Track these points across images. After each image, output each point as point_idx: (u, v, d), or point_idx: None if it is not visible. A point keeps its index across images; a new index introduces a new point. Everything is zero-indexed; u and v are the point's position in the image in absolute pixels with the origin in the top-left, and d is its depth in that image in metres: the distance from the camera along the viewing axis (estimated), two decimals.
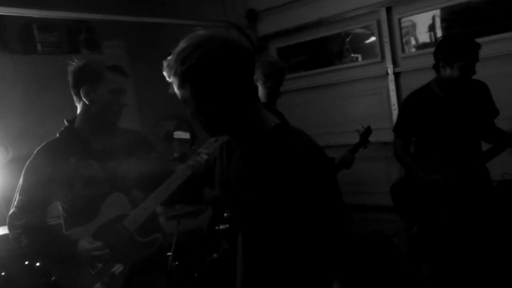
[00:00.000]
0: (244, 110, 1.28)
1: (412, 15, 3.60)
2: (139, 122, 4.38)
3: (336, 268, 1.27)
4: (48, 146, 2.04)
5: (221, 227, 2.93)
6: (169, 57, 1.25)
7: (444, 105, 2.72)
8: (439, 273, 2.84)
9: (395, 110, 3.67)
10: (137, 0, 4.28)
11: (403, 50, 3.67)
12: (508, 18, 3.20)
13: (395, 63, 3.70)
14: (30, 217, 1.95)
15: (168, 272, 2.81)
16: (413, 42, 3.76)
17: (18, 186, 2.01)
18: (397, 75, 3.70)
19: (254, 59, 1.29)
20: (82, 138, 2.06)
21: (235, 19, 4.32)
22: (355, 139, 3.26)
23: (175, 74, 1.23)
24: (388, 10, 3.66)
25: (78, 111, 2.07)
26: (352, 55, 4.06)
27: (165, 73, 1.26)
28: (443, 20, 3.57)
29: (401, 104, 2.91)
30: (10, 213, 1.99)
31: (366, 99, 3.88)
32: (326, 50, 4.22)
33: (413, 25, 3.72)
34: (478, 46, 2.58)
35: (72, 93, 2.05)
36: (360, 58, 4.03)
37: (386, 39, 3.69)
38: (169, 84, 1.28)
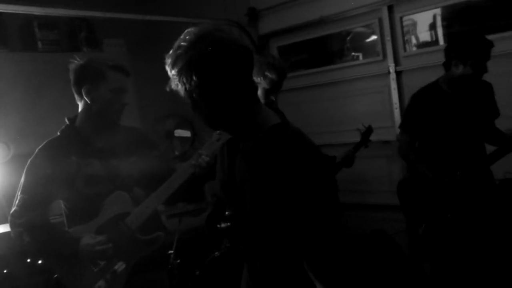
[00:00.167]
0: (244, 107, 1.28)
1: (414, 13, 3.60)
2: (140, 120, 4.37)
3: (315, 268, 1.24)
4: (49, 145, 2.04)
5: (223, 225, 2.92)
6: (171, 50, 1.24)
7: (452, 103, 2.72)
8: (442, 271, 2.84)
9: (396, 108, 3.67)
10: None
11: (404, 49, 3.67)
12: (509, 17, 3.19)
13: (396, 62, 3.70)
14: (31, 215, 1.95)
15: (169, 270, 2.82)
16: (414, 41, 3.75)
17: (19, 185, 2.01)
18: (398, 73, 3.70)
19: (252, 56, 1.29)
20: (83, 137, 2.06)
21: (236, 17, 4.32)
22: (356, 137, 3.25)
23: (177, 65, 1.22)
24: (390, 8, 3.66)
25: (79, 109, 2.07)
26: (353, 53, 4.06)
27: (167, 63, 1.25)
28: (444, 19, 3.57)
29: (409, 100, 2.88)
30: (12, 211, 1.99)
31: (368, 98, 3.88)
32: (327, 48, 4.22)
33: (414, 24, 3.72)
34: (491, 44, 2.58)
35: (73, 92, 2.04)
36: (360, 57, 4.03)
37: (387, 38, 3.68)
38: (169, 81, 1.28)
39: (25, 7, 3.02)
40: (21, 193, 1.99)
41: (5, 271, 2.84)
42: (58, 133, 2.08)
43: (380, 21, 3.71)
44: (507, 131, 2.77)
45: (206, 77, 1.20)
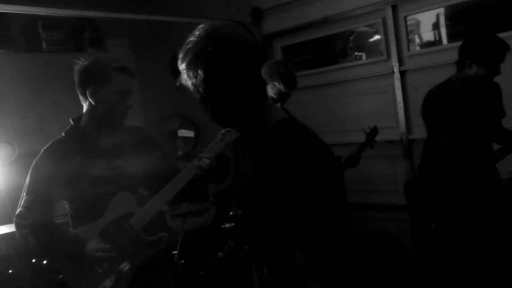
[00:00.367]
0: (250, 103, 1.27)
1: (418, 13, 3.59)
2: (143, 120, 4.37)
3: (317, 268, 1.22)
4: (54, 146, 2.04)
5: (227, 225, 2.93)
6: (183, 46, 1.25)
7: (464, 102, 2.72)
8: (450, 271, 2.83)
9: (400, 108, 3.66)
10: None
11: (408, 48, 3.66)
12: None
13: (400, 61, 3.69)
14: (36, 216, 1.95)
15: (174, 270, 2.82)
16: (417, 40, 3.75)
17: (24, 186, 2.01)
18: (402, 73, 3.69)
19: (262, 54, 1.28)
20: (88, 137, 2.06)
21: (240, 17, 4.31)
22: (360, 137, 3.25)
23: (185, 59, 1.22)
24: (394, 8, 3.65)
25: (84, 110, 2.07)
26: (356, 53, 4.06)
27: (179, 58, 1.25)
28: (447, 18, 3.56)
29: (428, 100, 2.81)
30: (17, 212, 2.00)
31: (372, 98, 3.87)
32: (331, 48, 4.22)
33: (417, 24, 3.71)
34: (508, 47, 2.58)
35: (78, 92, 2.04)
36: (364, 57, 4.03)
37: (391, 37, 3.68)
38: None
39: (30, 7, 3.03)
40: (26, 194, 1.99)
41: (10, 271, 2.84)
42: (63, 134, 2.08)
43: (384, 20, 3.70)
44: None
45: (211, 72, 1.20)
